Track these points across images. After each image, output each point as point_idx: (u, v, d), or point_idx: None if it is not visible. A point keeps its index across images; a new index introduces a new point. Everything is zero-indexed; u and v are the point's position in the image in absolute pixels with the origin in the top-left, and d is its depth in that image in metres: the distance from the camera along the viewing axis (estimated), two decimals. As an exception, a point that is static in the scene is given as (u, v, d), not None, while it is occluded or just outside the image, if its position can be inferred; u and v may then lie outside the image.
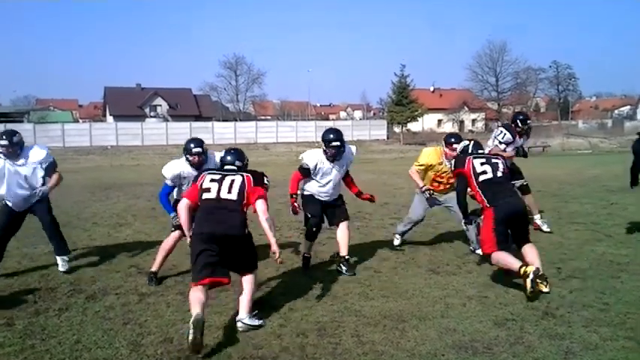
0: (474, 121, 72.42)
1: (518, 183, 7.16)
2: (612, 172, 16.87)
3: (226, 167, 4.55)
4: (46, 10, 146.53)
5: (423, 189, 6.48)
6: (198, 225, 4.21)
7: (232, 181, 4.35)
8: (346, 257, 5.65)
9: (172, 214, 5.25)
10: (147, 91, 66.78)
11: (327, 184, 5.67)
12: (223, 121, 57.27)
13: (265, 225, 4.29)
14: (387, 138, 52.39)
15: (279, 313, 4.41)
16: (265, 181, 4.54)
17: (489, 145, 7.43)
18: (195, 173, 4.95)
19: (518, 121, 7.52)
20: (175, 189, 5.43)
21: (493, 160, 5.35)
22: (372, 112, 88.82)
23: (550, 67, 74.45)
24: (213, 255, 4.10)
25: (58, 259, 5.81)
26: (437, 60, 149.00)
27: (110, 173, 20.95)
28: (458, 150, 5.78)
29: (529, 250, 5.03)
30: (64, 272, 5.67)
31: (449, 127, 70.11)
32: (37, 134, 41.19)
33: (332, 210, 5.78)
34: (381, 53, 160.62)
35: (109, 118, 60.84)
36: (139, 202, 11.46)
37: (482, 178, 5.20)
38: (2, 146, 5.49)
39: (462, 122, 71.76)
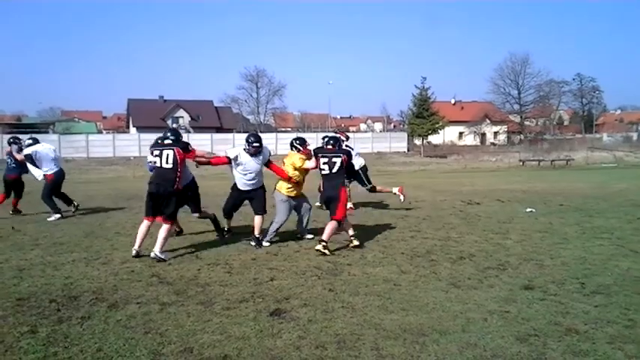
0: (495, 133, 71.88)
1: None
2: (638, 187, 16.59)
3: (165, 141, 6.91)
4: (71, 23, 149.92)
5: None
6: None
7: (167, 155, 6.78)
8: (257, 236, 7.66)
9: None
10: (169, 103, 67.71)
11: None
12: (244, 132, 57.74)
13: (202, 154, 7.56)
14: (408, 150, 52.27)
15: (298, 325, 4.40)
16: (190, 148, 7.02)
17: None
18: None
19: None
20: None
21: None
22: (392, 124, 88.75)
23: (574, 79, 73.88)
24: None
25: None
26: (458, 72, 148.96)
27: (133, 183, 21.18)
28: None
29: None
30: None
31: (470, 140, 69.70)
32: (62, 144, 41.92)
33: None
34: (402, 66, 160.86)
35: (132, 130, 61.75)
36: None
37: None
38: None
39: (483, 135, 71.27)
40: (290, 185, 7.85)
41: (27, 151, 10.68)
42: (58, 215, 10.52)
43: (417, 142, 53.18)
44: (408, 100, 54.49)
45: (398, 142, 53.04)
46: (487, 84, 76.77)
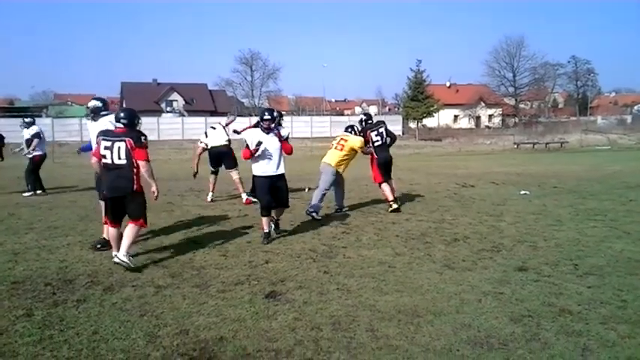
0: (490, 116, 71.84)
1: None
2: (631, 169, 16.67)
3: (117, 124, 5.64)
4: (63, 7, 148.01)
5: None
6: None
7: (119, 148, 5.46)
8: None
9: None
10: (163, 87, 67.24)
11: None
12: (238, 116, 57.46)
13: (146, 175, 5.59)
14: (403, 133, 52.20)
15: (293, 307, 4.42)
16: (143, 141, 5.53)
17: None
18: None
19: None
20: None
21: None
22: (387, 107, 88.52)
23: (569, 62, 73.80)
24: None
25: None
26: (453, 55, 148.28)
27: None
28: None
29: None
30: None
31: (465, 123, 69.69)
32: (55, 128, 41.47)
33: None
34: (397, 49, 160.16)
35: (126, 113, 61.33)
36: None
37: None
38: None
39: (478, 118, 71.24)
40: (342, 161, 8.87)
41: (36, 129, 11.73)
42: (31, 193, 11.35)
43: (412, 125, 53.08)
44: (403, 84, 54.41)
45: (393, 126, 51.68)
46: (482, 67, 76.50)
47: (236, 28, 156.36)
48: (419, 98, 49.61)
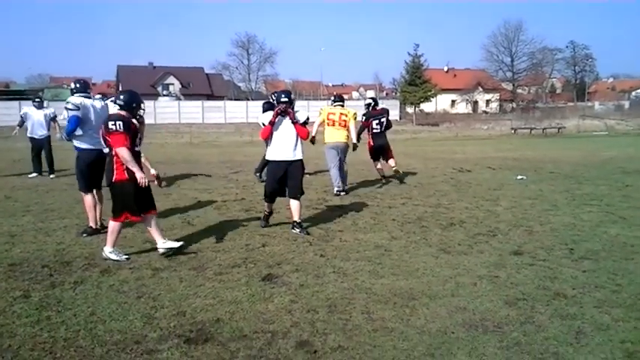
0: (488, 101, 71.71)
1: None
2: (628, 154, 16.71)
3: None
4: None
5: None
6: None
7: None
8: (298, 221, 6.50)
9: None
10: (159, 70, 66.81)
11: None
12: (235, 99, 57.27)
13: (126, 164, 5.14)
14: (400, 118, 52.11)
15: (290, 289, 4.44)
16: (111, 128, 5.07)
17: None
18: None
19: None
20: None
21: None
22: (384, 92, 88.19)
23: (567, 47, 73.50)
24: None
25: None
26: (451, 39, 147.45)
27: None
28: None
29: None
30: None
31: (462, 108, 69.55)
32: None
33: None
34: (395, 33, 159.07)
35: (122, 97, 61.01)
36: (151, 179, 11.52)
37: None
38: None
39: (475, 103, 71.10)
40: (348, 137, 9.29)
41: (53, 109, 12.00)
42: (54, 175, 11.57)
43: (410, 110, 52.96)
44: (401, 68, 54.27)
45: (390, 110, 52.70)
46: (480, 51, 76.23)
47: (232, 11, 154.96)
48: (416, 83, 49.44)
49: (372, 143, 10.30)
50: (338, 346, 3.42)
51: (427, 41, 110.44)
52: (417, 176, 11.77)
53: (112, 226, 5.28)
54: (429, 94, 50.30)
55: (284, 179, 6.43)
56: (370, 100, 10.71)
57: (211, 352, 3.34)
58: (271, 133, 6.37)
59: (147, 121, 5.86)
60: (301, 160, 6.50)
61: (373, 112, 10.28)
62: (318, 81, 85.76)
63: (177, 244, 5.40)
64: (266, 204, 6.71)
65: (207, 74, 68.90)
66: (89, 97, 6.59)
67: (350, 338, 3.53)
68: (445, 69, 76.05)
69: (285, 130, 6.34)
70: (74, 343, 3.45)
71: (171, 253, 5.33)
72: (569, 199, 8.55)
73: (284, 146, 6.37)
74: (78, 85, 6.66)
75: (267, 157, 6.63)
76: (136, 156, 5.29)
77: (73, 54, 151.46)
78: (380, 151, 10.30)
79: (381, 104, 11.94)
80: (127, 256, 5.29)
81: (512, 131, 33.12)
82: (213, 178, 11.30)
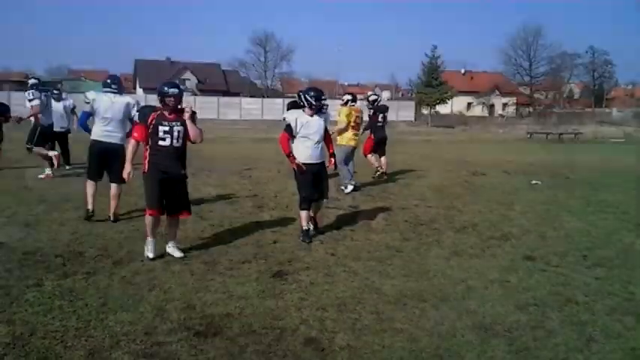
0: (504, 105, 71.16)
1: None
2: (645, 162, 16.48)
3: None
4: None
5: None
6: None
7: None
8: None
9: None
10: (176, 65, 67.14)
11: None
12: (250, 97, 57.45)
13: None
14: (415, 120, 51.89)
15: (300, 287, 4.45)
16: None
17: None
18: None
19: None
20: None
21: None
22: (400, 93, 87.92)
23: (586, 52, 72.60)
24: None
25: None
26: (469, 42, 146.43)
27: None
28: None
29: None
30: None
31: (478, 111, 69.08)
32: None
33: None
34: (412, 34, 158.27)
35: (139, 91, 61.44)
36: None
37: None
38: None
39: (492, 106, 70.58)
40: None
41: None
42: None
43: (425, 111, 52.72)
44: (417, 69, 53.95)
45: (405, 111, 52.40)
46: (498, 55, 75.75)
47: (250, 8, 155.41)
48: (433, 84, 49.13)
49: (373, 137, 10.92)
50: (346, 345, 3.43)
51: (444, 43, 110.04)
52: (430, 178, 11.72)
53: (145, 218, 5.22)
54: (446, 95, 49.97)
55: (316, 182, 6.09)
56: (375, 96, 11.50)
57: (220, 346, 3.37)
58: (289, 141, 6.04)
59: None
60: (325, 162, 6.26)
61: (379, 106, 11.14)
62: (334, 80, 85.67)
63: (179, 254, 5.19)
64: (304, 214, 6.09)
65: (223, 70, 69.18)
66: (115, 92, 6.72)
67: (358, 338, 3.53)
68: (462, 71, 75.55)
69: (317, 130, 6.03)
70: (85, 333, 3.50)
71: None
72: (584, 206, 8.47)
73: (315, 148, 6.05)
74: (107, 81, 6.93)
75: (297, 160, 6.00)
76: (171, 152, 5.12)
77: (90, 47, 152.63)
78: (379, 144, 10.93)
79: (393, 104, 12.51)
80: (151, 255, 5.09)
81: (528, 136, 32.76)
82: (226, 174, 11.33)
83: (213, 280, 4.57)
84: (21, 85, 52.82)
